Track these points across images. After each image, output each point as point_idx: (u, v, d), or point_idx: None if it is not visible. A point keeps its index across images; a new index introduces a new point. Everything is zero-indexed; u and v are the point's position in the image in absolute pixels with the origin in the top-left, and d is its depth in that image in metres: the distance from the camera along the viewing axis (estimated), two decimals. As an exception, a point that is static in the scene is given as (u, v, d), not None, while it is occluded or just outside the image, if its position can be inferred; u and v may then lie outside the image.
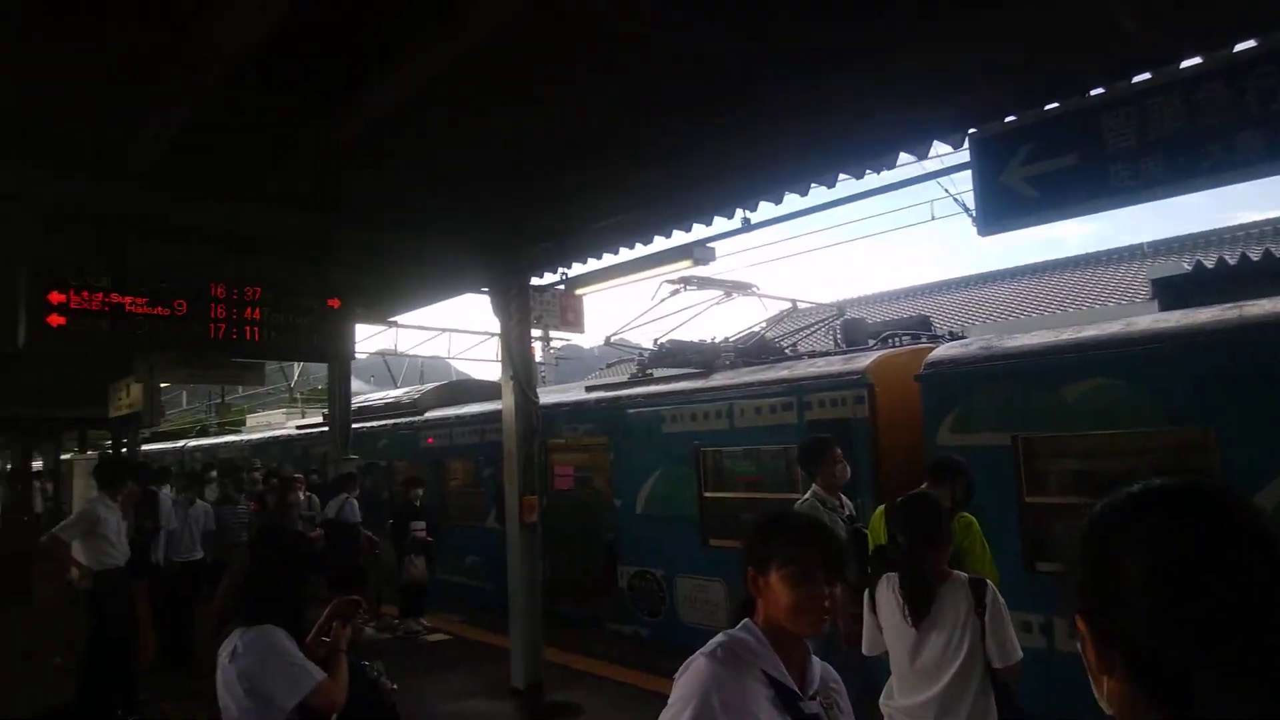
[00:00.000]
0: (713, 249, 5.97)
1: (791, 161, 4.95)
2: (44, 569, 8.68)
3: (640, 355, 9.82)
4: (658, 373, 9.23)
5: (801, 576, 1.76)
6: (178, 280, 5.30)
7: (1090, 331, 5.62)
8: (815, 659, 1.87)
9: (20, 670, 7.01)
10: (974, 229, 3.88)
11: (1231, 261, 6.06)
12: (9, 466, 21.98)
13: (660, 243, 6.29)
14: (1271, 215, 12.84)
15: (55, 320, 4.91)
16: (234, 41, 3.61)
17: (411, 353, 16.82)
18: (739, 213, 5.60)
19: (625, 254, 6.79)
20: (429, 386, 13.94)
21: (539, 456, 7.42)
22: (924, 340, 7.74)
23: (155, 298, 5.22)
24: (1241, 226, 13.08)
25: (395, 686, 2.86)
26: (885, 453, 6.54)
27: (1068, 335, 5.70)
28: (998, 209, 3.73)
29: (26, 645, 7.27)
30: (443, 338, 16.75)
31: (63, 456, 17.72)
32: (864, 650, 3.32)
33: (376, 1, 3.59)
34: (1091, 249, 15.07)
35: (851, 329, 8.69)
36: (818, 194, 5.15)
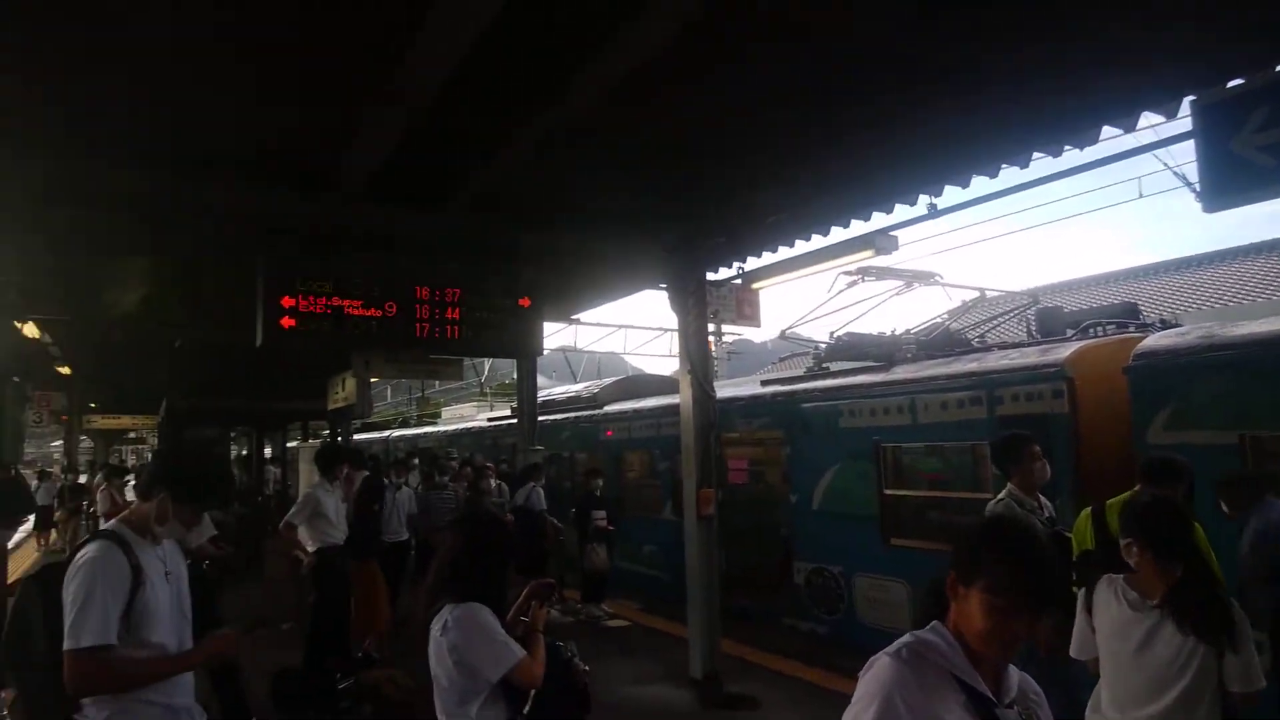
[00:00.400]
0: (895, 238, 5.80)
1: (981, 142, 4.72)
2: (275, 546, 9.65)
3: (816, 349, 9.65)
4: (834, 366, 9.05)
5: (1005, 608, 1.62)
6: (387, 284, 5.82)
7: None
8: (1012, 667, 1.75)
9: (256, 635, 7.92)
10: (1197, 205, 3.52)
11: None
12: (244, 453, 24.72)
13: (838, 234, 6.18)
14: None
15: (286, 322, 5.52)
16: (435, 71, 3.92)
17: (590, 349, 17.37)
18: (922, 199, 5.40)
19: (802, 246, 6.73)
20: (608, 381, 14.38)
21: (714, 450, 7.49)
22: (1131, 329, 7.10)
23: (369, 301, 5.74)
24: None
25: (588, 668, 2.99)
26: (1086, 451, 6.08)
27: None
28: (1227, 181, 3.37)
29: (261, 613, 8.16)
30: (619, 334, 17.19)
31: (288, 445, 19.72)
32: (1072, 652, 3.11)
33: (564, 7, 3.73)
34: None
35: (1047, 318, 8.11)
36: (1008, 176, 4.87)
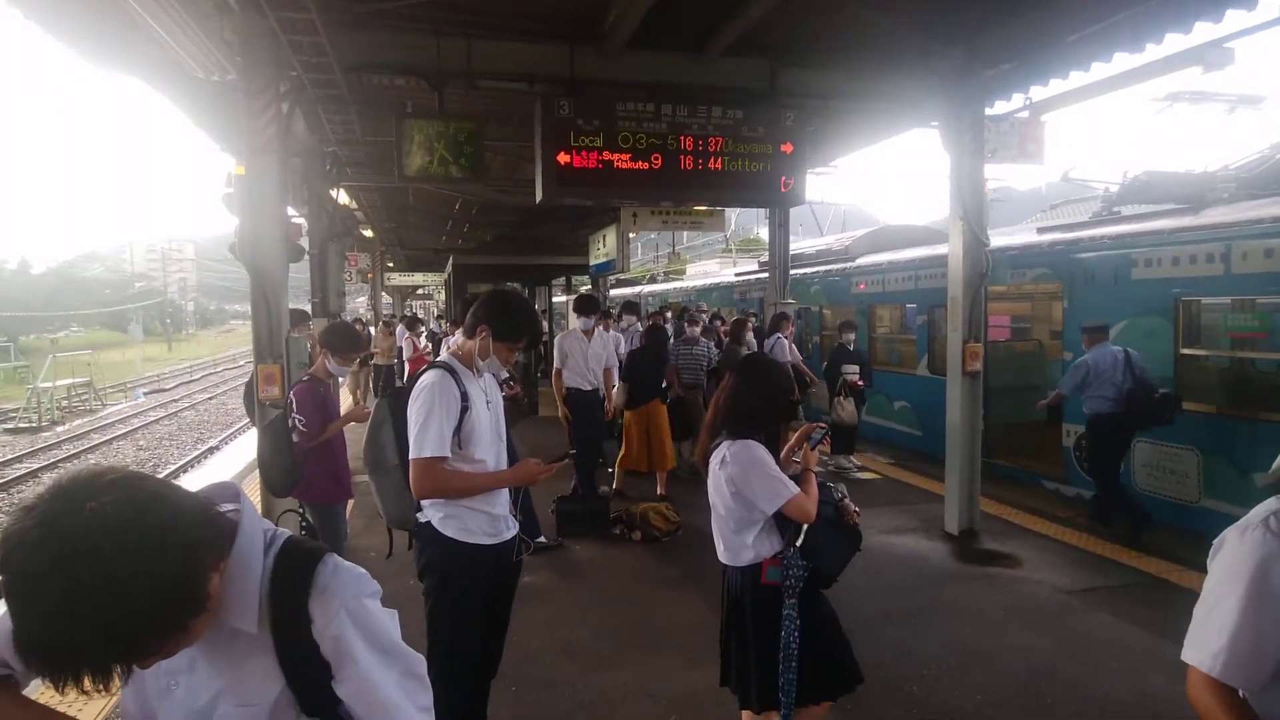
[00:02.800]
0: (1230, 50, 4.90)
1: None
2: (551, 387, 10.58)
3: (1105, 191, 8.62)
4: (1128, 210, 8.06)
5: None
6: (653, 136, 5.92)
7: None
8: None
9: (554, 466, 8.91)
10: None
11: None
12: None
13: (1153, 52, 5.34)
14: None
15: (562, 177, 5.83)
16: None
17: (838, 201, 16.75)
18: (1265, 2, 4.49)
19: (1098, 71, 5.91)
20: (860, 233, 13.89)
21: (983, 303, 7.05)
22: None
23: (636, 154, 5.89)
24: None
25: (858, 510, 3.08)
26: None
27: None
28: None
29: (540, 450, 9.07)
30: (867, 186, 16.38)
31: (553, 300, 21.20)
32: None
33: None
34: None
35: None
36: None
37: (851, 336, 9.64)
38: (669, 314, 12.26)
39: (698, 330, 9.09)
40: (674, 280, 23.72)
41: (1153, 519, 6.73)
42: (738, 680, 3.00)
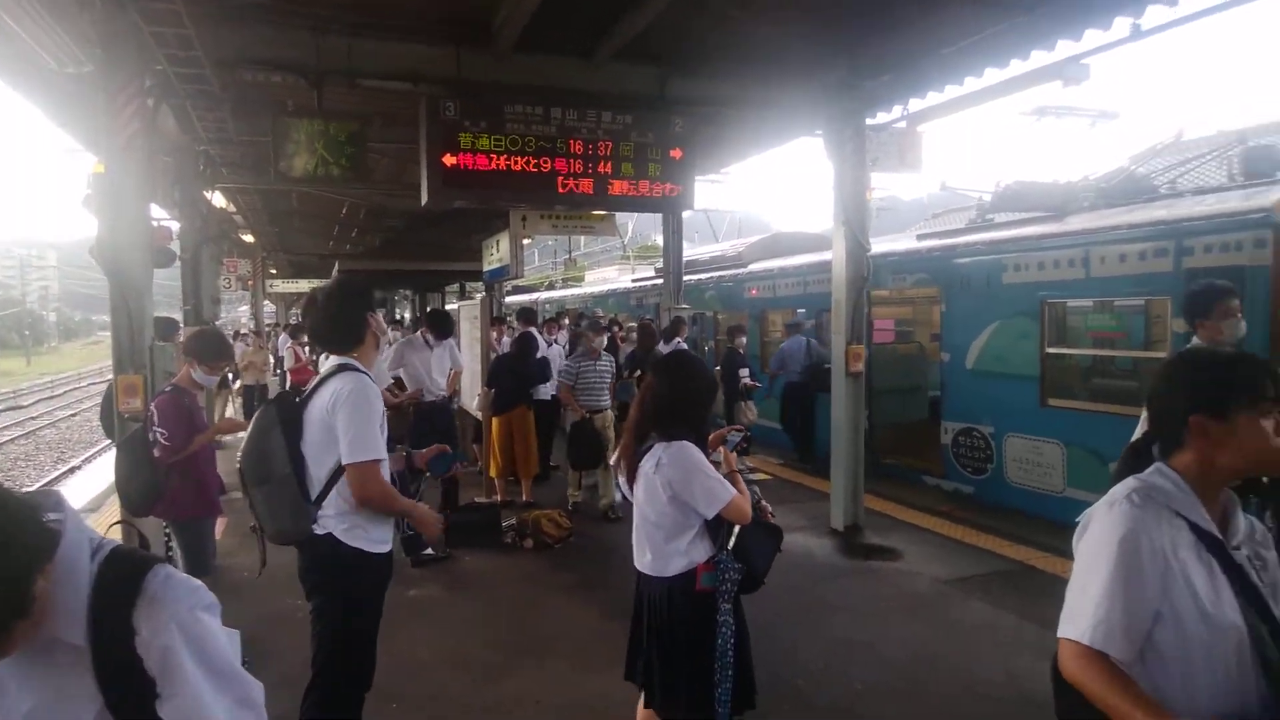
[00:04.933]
0: (1087, 66, 5.23)
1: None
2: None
3: (979, 200, 9.08)
4: (1000, 218, 8.50)
5: (1271, 415, 1.62)
6: (541, 140, 5.87)
7: None
8: (1242, 512, 1.72)
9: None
10: None
11: None
12: (406, 316, 26.23)
13: (1018, 67, 5.66)
14: None
15: (448, 180, 5.71)
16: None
17: (731, 208, 17.05)
18: (1119, 23, 4.83)
19: (971, 85, 6.23)
20: (753, 239, 14.17)
21: (865, 307, 7.31)
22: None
23: (524, 157, 5.84)
24: None
25: (772, 510, 3.09)
26: (1289, 308, 5.54)
27: None
28: None
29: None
30: (763, 193, 16.75)
31: (448, 306, 20.78)
32: None
33: None
34: None
35: (1255, 159, 7.19)
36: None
37: (743, 340, 9.81)
38: (565, 321, 12.15)
39: (603, 341, 7.83)
40: (572, 287, 23.67)
41: (1024, 511, 7.12)
42: (662, 696, 2.87)
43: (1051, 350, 7.45)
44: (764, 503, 3.07)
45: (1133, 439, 1.92)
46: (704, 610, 2.79)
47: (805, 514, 7.44)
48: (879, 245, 9.81)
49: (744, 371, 9.55)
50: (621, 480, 3.04)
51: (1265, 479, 1.80)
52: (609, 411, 7.63)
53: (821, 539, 6.77)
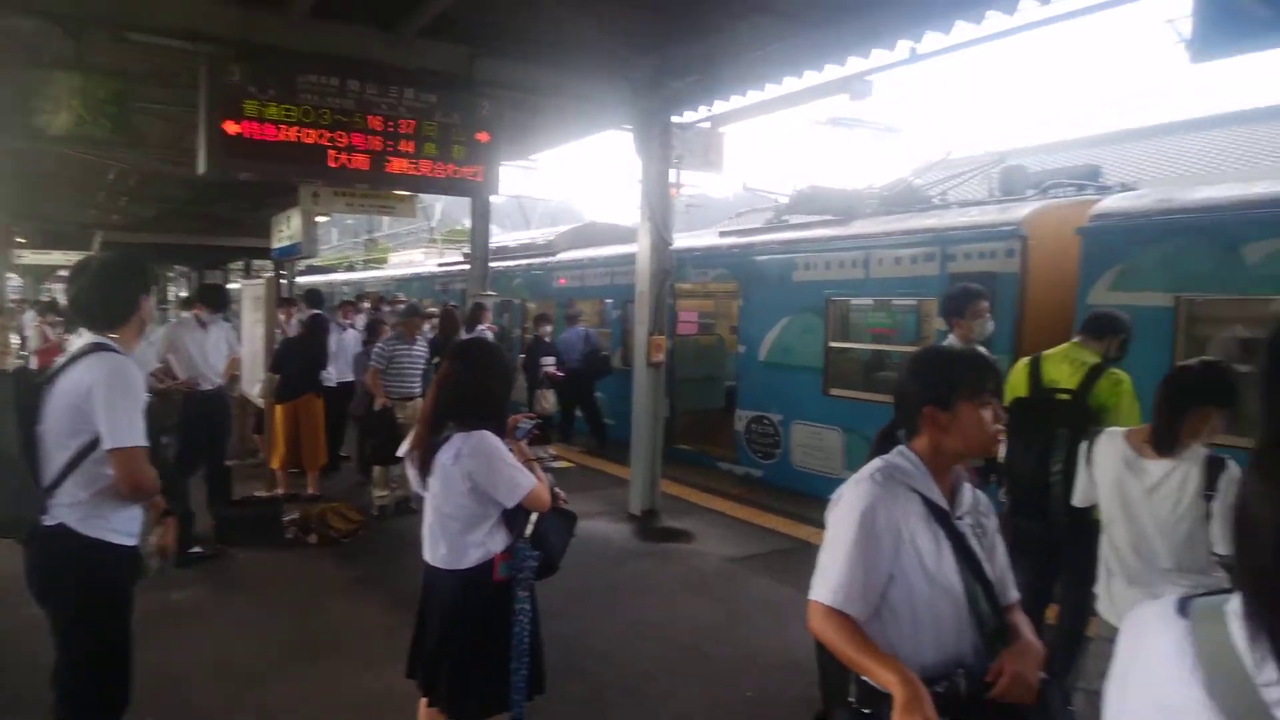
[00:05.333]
0: (870, 83, 5.62)
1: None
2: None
3: (777, 202, 9.58)
4: (795, 219, 9.01)
5: (987, 403, 1.89)
6: (338, 113, 5.51)
7: (1287, 185, 5.05)
8: (967, 485, 1.99)
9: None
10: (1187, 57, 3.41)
11: None
12: (183, 294, 24.06)
13: (811, 78, 5.98)
14: None
15: (231, 149, 5.23)
16: None
17: (544, 196, 16.95)
18: (901, 45, 5.23)
19: (772, 91, 6.52)
20: (564, 228, 14.17)
21: (668, 299, 7.49)
22: (1090, 192, 7.16)
23: (318, 129, 5.45)
24: None
25: (564, 496, 3.08)
26: (1031, 310, 6.25)
27: (1260, 189, 5.15)
28: (1221, 31, 3.26)
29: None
30: (576, 183, 16.79)
31: (229, 285, 19.24)
32: (1075, 501, 3.24)
33: None
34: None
35: (1010, 178, 8.10)
36: (995, 22, 4.72)
37: (549, 329, 9.79)
38: (365, 304, 11.53)
39: (426, 327, 7.59)
40: (374, 269, 22.63)
41: (807, 493, 7.60)
42: (450, 691, 2.77)
43: (834, 344, 7.98)
44: (557, 489, 3.06)
45: (882, 426, 2.13)
46: (501, 600, 2.77)
47: (605, 500, 7.55)
48: (685, 240, 10.13)
49: (548, 360, 9.52)
50: (412, 473, 2.92)
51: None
52: (420, 400, 7.23)
53: (619, 524, 6.90)
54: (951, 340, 4.61)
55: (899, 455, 1.94)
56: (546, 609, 2.98)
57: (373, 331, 8.58)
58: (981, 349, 4.69)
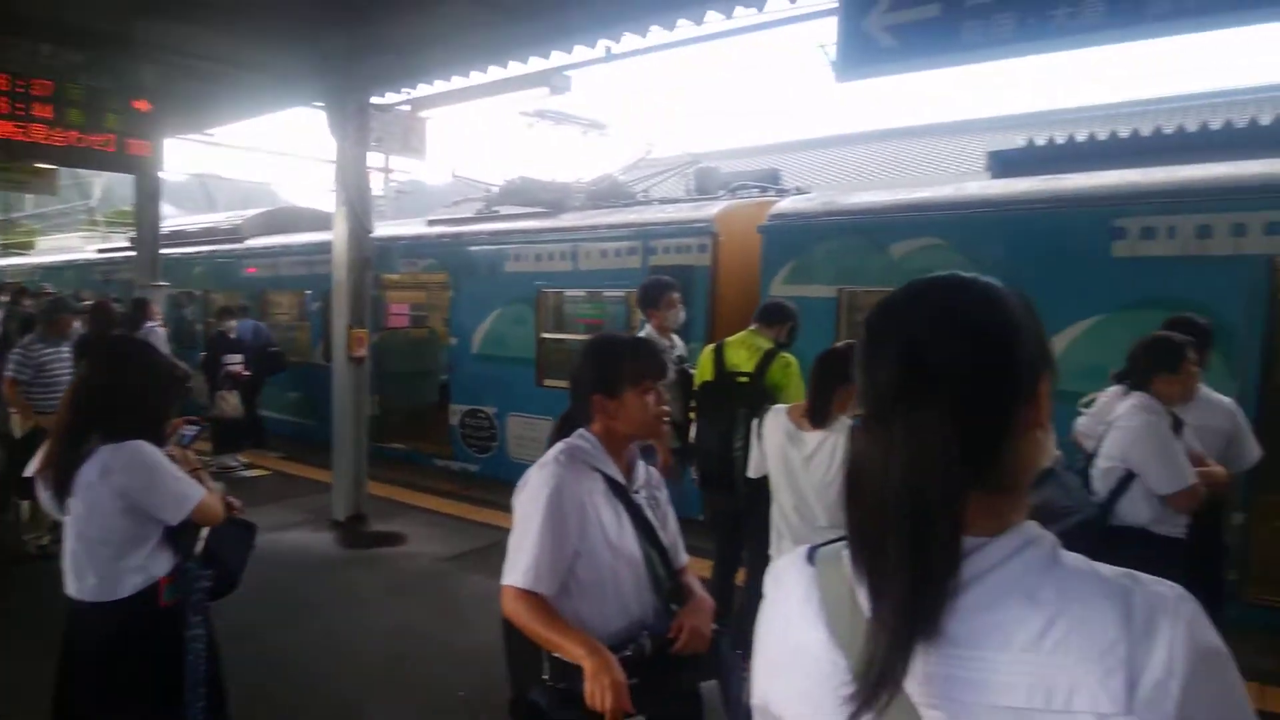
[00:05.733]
0: (569, 78, 5.72)
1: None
2: None
3: (488, 192, 9.47)
4: (506, 210, 8.97)
5: (650, 387, 2.04)
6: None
7: (922, 193, 5.93)
8: (641, 462, 2.18)
9: None
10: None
11: (1061, 141, 6.48)
12: None
13: (516, 69, 5.96)
14: (1101, 101, 13.68)
15: None
16: None
17: (234, 176, 15.41)
18: (602, 44, 5.37)
19: (478, 78, 6.41)
20: (252, 212, 12.92)
21: (373, 291, 7.11)
22: (771, 194, 7.89)
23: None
24: (1074, 110, 13.79)
25: (238, 504, 2.77)
26: (723, 300, 6.76)
27: (901, 195, 5.98)
28: (857, 56, 3.73)
29: None
30: (273, 163, 15.45)
31: None
32: (749, 473, 3.55)
33: None
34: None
35: (704, 178, 8.69)
36: (687, 29, 5.00)
37: (233, 324, 8.86)
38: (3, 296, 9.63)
39: (77, 324, 6.04)
40: (15, 255, 19.10)
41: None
42: None
43: (546, 335, 8.08)
44: (230, 498, 2.75)
45: (563, 412, 2.20)
46: (168, 628, 2.46)
47: (305, 508, 7.03)
48: (393, 229, 9.71)
49: (233, 358, 8.61)
50: (45, 496, 2.46)
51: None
52: None
53: (320, 532, 6.44)
54: (649, 330, 4.84)
55: (579, 438, 2.07)
56: (232, 631, 2.70)
57: (4, 329, 7.16)
58: (676, 337, 5.01)
